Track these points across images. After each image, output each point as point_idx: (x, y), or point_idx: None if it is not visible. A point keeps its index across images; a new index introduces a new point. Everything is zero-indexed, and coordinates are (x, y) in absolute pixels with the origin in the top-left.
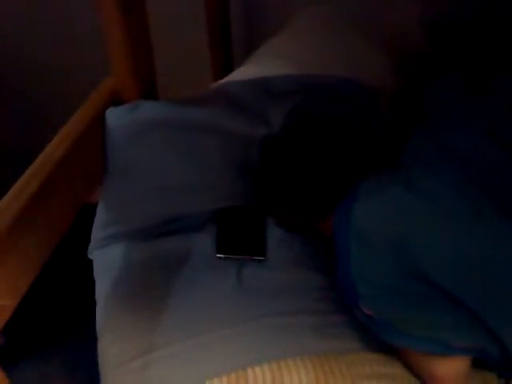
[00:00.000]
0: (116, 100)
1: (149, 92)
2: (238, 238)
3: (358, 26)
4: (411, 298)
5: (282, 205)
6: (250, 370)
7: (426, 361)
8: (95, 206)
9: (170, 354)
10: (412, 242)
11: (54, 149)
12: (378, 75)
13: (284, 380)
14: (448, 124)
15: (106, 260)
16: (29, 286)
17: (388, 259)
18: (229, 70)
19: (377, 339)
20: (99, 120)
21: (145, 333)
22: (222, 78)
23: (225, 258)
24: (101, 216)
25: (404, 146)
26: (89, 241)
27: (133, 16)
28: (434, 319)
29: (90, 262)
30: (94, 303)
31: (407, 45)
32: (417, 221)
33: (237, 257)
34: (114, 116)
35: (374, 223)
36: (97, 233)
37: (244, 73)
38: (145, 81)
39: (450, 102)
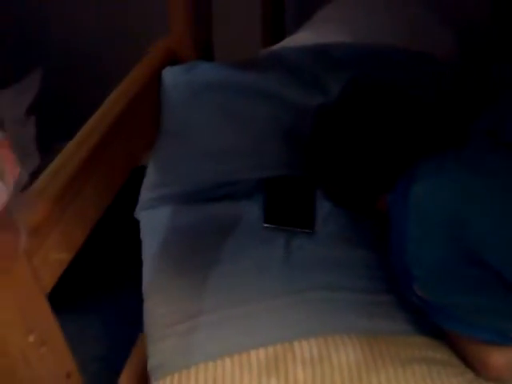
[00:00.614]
0: (172, 59)
1: (205, 52)
2: (287, 209)
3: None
4: (469, 284)
5: (333, 178)
6: (296, 343)
7: (482, 350)
8: (144, 167)
9: (216, 321)
10: (474, 226)
11: (111, 106)
12: (439, 45)
13: (331, 356)
14: None
15: (154, 221)
16: (83, 240)
17: (447, 242)
18: (280, 36)
19: (426, 322)
20: (155, 79)
21: (192, 297)
22: (272, 43)
23: (272, 228)
24: (151, 177)
25: (472, 125)
26: (136, 202)
27: None
28: (494, 307)
29: (137, 222)
30: (136, 262)
31: (470, 14)
32: (480, 204)
33: (284, 228)
34: (170, 75)
35: (434, 204)
36: (145, 193)
37: (299, 39)
38: (202, 41)
39: None
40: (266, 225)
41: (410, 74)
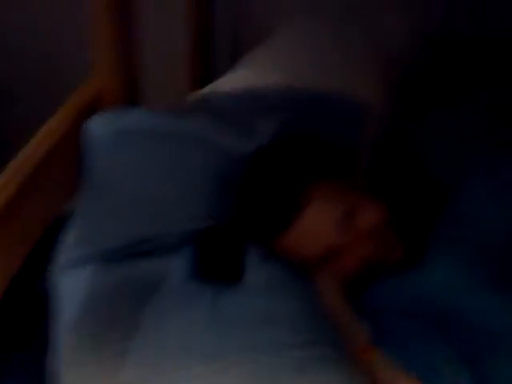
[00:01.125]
0: (97, 104)
1: (131, 98)
2: (216, 261)
3: (346, 39)
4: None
5: (260, 226)
6: None
7: None
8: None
9: None
10: None
11: (30, 153)
12: (370, 92)
13: None
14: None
15: (70, 284)
16: None
17: None
18: (209, 78)
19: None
20: (78, 125)
21: (113, 371)
22: (201, 87)
23: (201, 281)
24: (69, 234)
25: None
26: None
27: (121, 16)
28: (433, 345)
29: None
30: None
31: (396, 61)
32: None
33: (213, 280)
34: (94, 124)
35: None
36: (62, 253)
37: (229, 82)
38: (128, 85)
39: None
40: (193, 278)
41: (338, 119)
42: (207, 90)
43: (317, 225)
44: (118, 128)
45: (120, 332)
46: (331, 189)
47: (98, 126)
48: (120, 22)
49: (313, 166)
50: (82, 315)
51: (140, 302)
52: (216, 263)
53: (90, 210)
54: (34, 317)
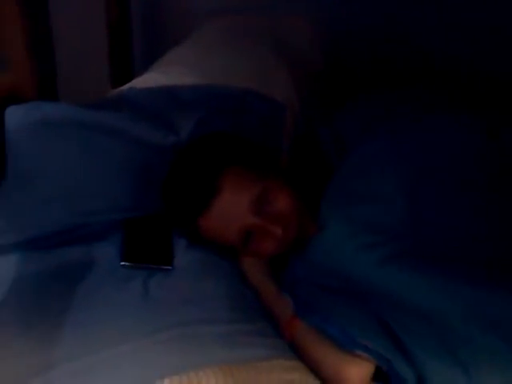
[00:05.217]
0: (12, 97)
1: (48, 92)
2: (144, 247)
3: (261, 39)
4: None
5: (186, 216)
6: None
7: (333, 360)
8: None
9: (70, 372)
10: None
11: None
12: (282, 90)
13: None
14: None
15: None
16: None
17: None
18: (129, 77)
19: (285, 346)
20: None
21: (42, 348)
22: (121, 85)
23: (129, 266)
24: None
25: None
26: None
27: (34, 11)
28: (346, 312)
29: None
30: None
31: (307, 64)
32: None
33: (142, 265)
34: (14, 115)
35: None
36: None
37: (147, 80)
38: (44, 79)
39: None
40: (122, 263)
41: (256, 116)
42: (126, 87)
43: (232, 205)
44: (40, 119)
45: (52, 310)
46: (244, 175)
47: (15, 117)
48: (34, 17)
49: (226, 157)
50: (12, 295)
51: (71, 284)
52: (143, 248)
53: (15, 199)
54: None
